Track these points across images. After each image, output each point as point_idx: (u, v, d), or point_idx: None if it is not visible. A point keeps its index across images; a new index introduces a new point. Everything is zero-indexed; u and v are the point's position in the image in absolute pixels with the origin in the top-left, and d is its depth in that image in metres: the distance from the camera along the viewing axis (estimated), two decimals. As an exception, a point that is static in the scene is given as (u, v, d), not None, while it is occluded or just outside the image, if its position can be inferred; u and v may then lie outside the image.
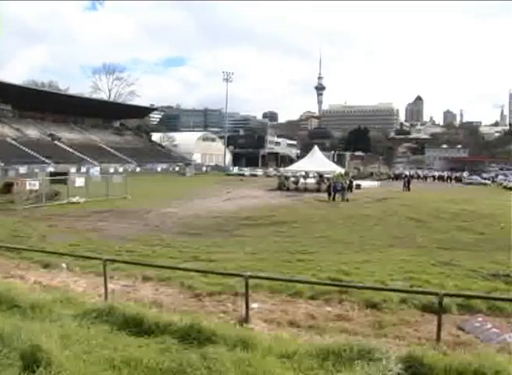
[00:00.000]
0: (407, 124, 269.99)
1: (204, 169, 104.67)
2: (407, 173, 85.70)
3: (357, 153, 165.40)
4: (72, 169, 69.17)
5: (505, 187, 69.67)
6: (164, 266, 11.48)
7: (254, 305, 8.76)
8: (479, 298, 9.44)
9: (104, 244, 17.71)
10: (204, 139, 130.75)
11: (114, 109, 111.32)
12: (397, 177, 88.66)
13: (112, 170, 74.63)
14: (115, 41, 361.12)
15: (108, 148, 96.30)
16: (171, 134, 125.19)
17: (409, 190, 55.15)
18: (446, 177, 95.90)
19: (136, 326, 6.41)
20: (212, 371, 4.98)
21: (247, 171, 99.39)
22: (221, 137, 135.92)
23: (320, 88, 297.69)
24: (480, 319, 8.53)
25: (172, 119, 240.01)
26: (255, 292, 9.51)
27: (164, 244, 18.18)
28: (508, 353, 6.44)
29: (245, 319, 7.76)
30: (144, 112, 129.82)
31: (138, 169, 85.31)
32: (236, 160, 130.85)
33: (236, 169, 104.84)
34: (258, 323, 7.95)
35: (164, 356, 5.40)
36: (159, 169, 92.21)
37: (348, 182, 48.19)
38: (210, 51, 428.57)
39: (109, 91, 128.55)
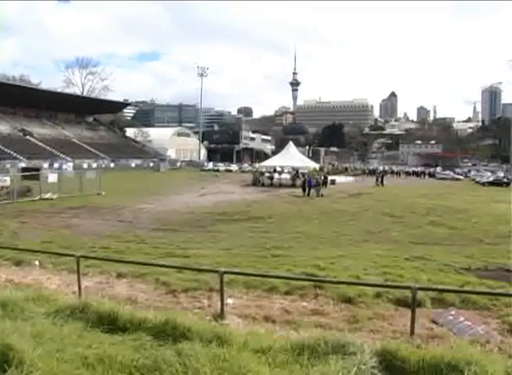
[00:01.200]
0: (382, 120, 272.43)
1: (178, 164, 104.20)
2: (381, 169, 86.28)
3: (332, 149, 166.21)
4: (45, 165, 68.08)
5: (477, 183, 70.66)
6: (138, 263, 11.39)
7: (229, 301, 8.75)
8: (452, 291, 9.56)
9: (77, 241, 17.53)
10: (179, 134, 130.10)
11: (87, 104, 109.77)
12: (372, 173, 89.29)
13: (85, 166, 73.65)
14: (89, 35, 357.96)
15: (82, 144, 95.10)
16: (145, 130, 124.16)
17: (382, 185, 55.58)
18: (419, 173, 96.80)
19: (111, 324, 6.34)
20: (187, 367, 4.94)
21: (221, 166, 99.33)
22: (196, 133, 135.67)
23: (295, 84, 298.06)
24: (453, 312, 8.64)
25: (147, 115, 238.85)
26: (230, 288, 9.49)
27: (139, 241, 18.08)
28: (480, 345, 6.54)
29: (220, 315, 7.75)
30: (117, 107, 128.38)
31: (112, 165, 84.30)
32: (211, 156, 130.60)
33: (210, 165, 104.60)
34: (234, 318, 7.93)
35: (138, 353, 5.35)
36: (133, 164, 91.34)
37: (323, 177, 48.51)
38: (185, 45, 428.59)
39: (82, 85, 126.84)
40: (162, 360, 5.10)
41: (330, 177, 54.97)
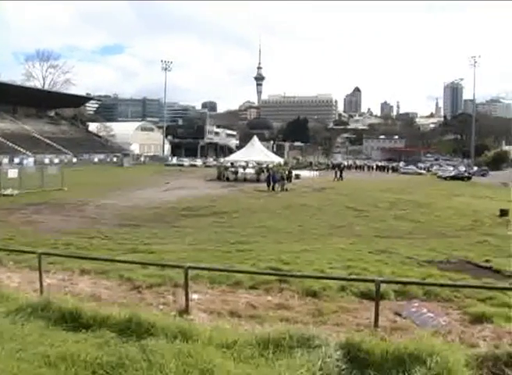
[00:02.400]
0: (346, 115, 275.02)
1: (142, 159, 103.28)
2: (340, 163, 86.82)
3: (297, 143, 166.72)
4: (5, 160, 66.77)
5: (440, 177, 71.86)
6: (102, 259, 11.25)
7: (194, 296, 8.70)
8: (415, 284, 9.71)
9: (39, 238, 17.22)
10: (143, 129, 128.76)
11: (48, 98, 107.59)
12: (336, 167, 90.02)
13: (47, 161, 72.34)
14: (50, 27, 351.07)
15: (43, 139, 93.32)
16: (108, 124, 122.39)
17: (342, 179, 55.97)
18: (383, 167, 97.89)
19: (74, 321, 6.26)
20: (152, 363, 4.92)
21: (186, 161, 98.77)
22: (160, 127, 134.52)
23: (259, 78, 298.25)
24: (416, 304, 8.77)
25: (110, 109, 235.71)
26: (195, 283, 9.44)
27: (102, 237, 17.87)
28: (442, 336, 6.66)
29: (185, 311, 7.71)
30: (80, 101, 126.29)
31: (75, 160, 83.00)
32: (175, 150, 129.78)
33: (175, 160, 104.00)
34: (199, 313, 7.90)
35: (102, 350, 5.29)
36: (96, 159, 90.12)
37: (287, 172, 48.75)
38: (149, 39, 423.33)
39: (43, 79, 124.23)
40: (126, 357, 5.06)
41: (294, 172, 55.30)
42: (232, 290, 9.72)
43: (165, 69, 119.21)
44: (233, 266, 11.56)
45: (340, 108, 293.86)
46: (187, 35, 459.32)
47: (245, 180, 50.54)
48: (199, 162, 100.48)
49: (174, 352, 5.09)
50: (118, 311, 6.57)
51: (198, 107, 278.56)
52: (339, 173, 57.87)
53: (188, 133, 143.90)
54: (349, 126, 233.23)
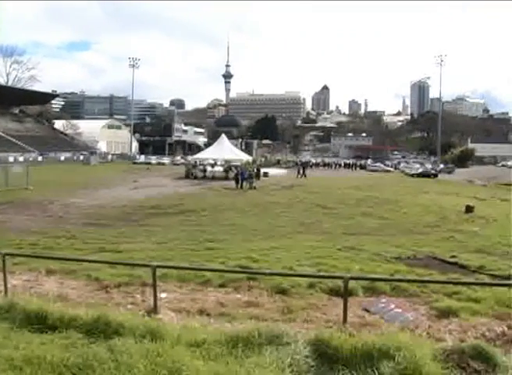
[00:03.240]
0: (314, 113, 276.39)
1: (109, 157, 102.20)
2: (307, 161, 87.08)
3: (265, 141, 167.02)
4: (-33, 159, 65.41)
5: (407, 174, 72.79)
6: (69, 259, 11.11)
7: (162, 295, 8.64)
8: (383, 280, 9.83)
9: (3, 238, 16.86)
10: (110, 127, 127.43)
11: (12, 95, 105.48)
12: (299, 165, 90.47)
13: (11, 160, 70.98)
14: (14, 22, 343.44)
15: (7, 136, 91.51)
16: (74, 122, 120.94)
17: (305, 176, 56.18)
18: (351, 165, 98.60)
19: (39, 323, 6.14)
20: (120, 364, 4.86)
21: (154, 159, 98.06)
22: (127, 125, 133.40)
23: (228, 76, 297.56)
24: (384, 300, 8.86)
25: (76, 106, 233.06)
26: (164, 282, 9.38)
27: (69, 236, 17.65)
28: (410, 331, 6.74)
29: (154, 310, 7.64)
30: (45, 98, 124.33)
31: (40, 159, 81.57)
32: (143, 148, 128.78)
33: (142, 158, 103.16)
34: (167, 312, 7.84)
35: (69, 352, 5.21)
36: (62, 158, 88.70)
37: (256, 170, 48.81)
38: (116, 35, 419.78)
39: (7, 75, 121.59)
40: (94, 358, 4.99)
41: (263, 170, 55.34)
42: (201, 288, 9.68)
43: (133, 66, 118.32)
44: (202, 265, 11.55)
45: (308, 106, 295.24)
46: (155, 32, 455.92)
47: (213, 178, 50.45)
48: (167, 160, 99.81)
49: (142, 352, 5.05)
50: (85, 311, 6.48)
51: (166, 104, 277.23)
52: (301, 171, 58.06)
53: (156, 131, 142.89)
54: (317, 124, 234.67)
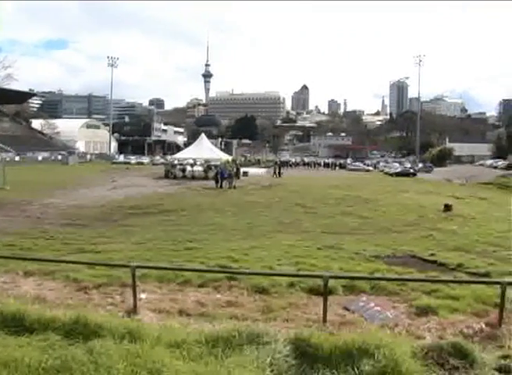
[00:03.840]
0: (294, 112, 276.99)
1: (88, 157, 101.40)
2: (282, 160, 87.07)
3: (245, 141, 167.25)
4: None
5: (386, 174, 73.30)
6: (47, 260, 10.99)
7: (142, 296, 8.59)
8: (363, 278, 9.89)
9: (-21, 239, 16.66)
10: (88, 126, 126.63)
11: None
12: (284, 164, 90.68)
13: (-13, 159, 70.04)
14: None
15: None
16: (52, 121, 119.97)
17: (279, 176, 56.16)
18: (330, 164, 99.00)
19: (17, 325, 6.05)
20: (99, 365, 4.81)
21: (133, 159, 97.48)
22: (106, 125, 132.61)
23: (207, 76, 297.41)
24: (364, 298, 8.90)
25: (54, 106, 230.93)
26: (143, 282, 9.32)
27: (47, 237, 17.44)
28: (389, 329, 6.79)
29: (133, 311, 7.60)
30: (22, 97, 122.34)
31: (17, 158, 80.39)
32: (122, 148, 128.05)
33: (121, 158, 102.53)
34: (147, 313, 7.79)
35: (47, 354, 5.14)
36: (40, 158, 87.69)
37: (235, 169, 48.69)
38: (95, 34, 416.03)
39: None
40: (72, 359, 4.94)
41: (242, 169, 55.29)
42: (181, 288, 9.64)
43: (112, 65, 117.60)
44: (182, 265, 11.50)
45: (288, 105, 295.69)
46: (135, 31, 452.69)
47: (193, 177, 50.38)
48: (146, 159, 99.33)
49: (122, 353, 5.01)
50: (64, 313, 6.41)
51: (145, 104, 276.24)
52: (277, 170, 58.02)
53: (135, 131, 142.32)
54: (297, 124, 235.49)
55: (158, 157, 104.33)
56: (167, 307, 8.27)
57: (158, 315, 7.82)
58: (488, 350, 5.84)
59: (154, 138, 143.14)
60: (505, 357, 5.57)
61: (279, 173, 57.43)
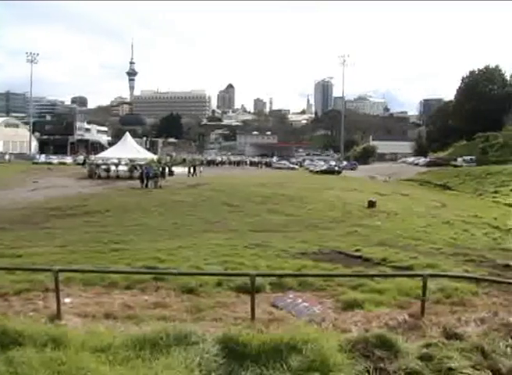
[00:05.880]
0: (219, 111, 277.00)
1: (7, 157, 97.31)
2: (190, 159, 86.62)
3: (170, 140, 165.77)
4: None
5: (311, 171, 74.36)
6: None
7: (66, 300, 8.36)
8: (290, 275, 10.02)
9: None
10: (7, 125, 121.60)
11: None
12: (210, 163, 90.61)
13: None
14: None
15: None
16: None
17: (196, 175, 55.86)
18: (256, 162, 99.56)
19: None
20: (19, 375, 4.64)
21: (55, 159, 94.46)
22: (26, 123, 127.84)
23: (132, 73, 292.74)
24: (291, 295, 9.02)
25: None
26: (67, 286, 9.08)
27: (-38, 242, 16.66)
28: (317, 324, 6.89)
29: (57, 316, 7.37)
30: None
31: None
32: (44, 148, 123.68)
33: (43, 158, 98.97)
34: (71, 318, 7.58)
35: (-39, 368, 4.90)
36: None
37: (161, 169, 48.23)
38: (14, 28, 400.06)
39: None
40: (-11, 372, 4.73)
41: (168, 168, 54.78)
42: (107, 291, 9.47)
43: (31, 61, 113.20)
44: (107, 267, 11.28)
45: (214, 104, 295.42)
46: (57, 26, 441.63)
47: (118, 177, 49.63)
48: (69, 159, 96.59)
49: (44, 361, 4.84)
50: (-21, 322, 6.12)
51: (68, 102, 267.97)
52: (192, 169, 57.78)
53: (57, 130, 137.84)
54: (222, 123, 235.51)
55: (81, 157, 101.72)
56: (93, 311, 8.08)
57: (83, 319, 7.62)
58: (412, 340, 6.03)
59: (77, 137, 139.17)
60: (427, 345, 5.77)
61: (194, 172, 57.24)
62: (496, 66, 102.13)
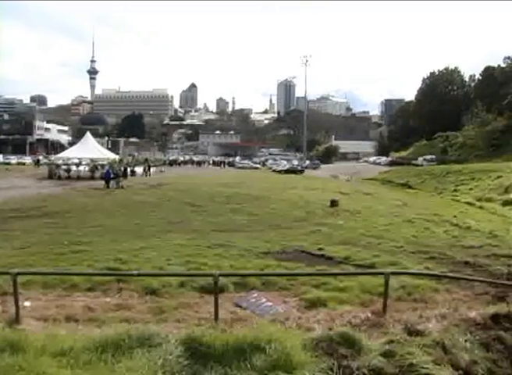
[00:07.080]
0: (182, 110, 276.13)
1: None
2: (146, 158, 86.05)
3: (132, 139, 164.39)
4: None
5: (274, 171, 74.61)
6: None
7: (26, 304, 8.20)
8: (253, 275, 10.05)
9: None
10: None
11: None
12: (172, 163, 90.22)
13: None
14: None
15: None
16: None
17: (150, 175, 55.24)
18: (219, 162, 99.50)
19: None
20: (-25, 385, 4.53)
21: (13, 159, 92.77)
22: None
23: (93, 72, 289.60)
24: (255, 294, 9.03)
25: None
26: (27, 289, 8.92)
27: None
28: (280, 323, 6.91)
29: (15, 320, 7.20)
30: None
31: None
32: (1, 148, 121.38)
33: (1, 158, 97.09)
34: (31, 322, 7.42)
35: None
36: None
37: (123, 169, 47.77)
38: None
39: None
40: None
41: (130, 168, 54.22)
42: (68, 293, 9.34)
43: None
44: (68, 269, 11.12)
45: (176, 103, 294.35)
46: (13, 22, 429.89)
47: (78, 178, 48.76)
48: (28, 159, 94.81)
49: (1, 367, 4.73)
50: None
51: (26, 101, 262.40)
52: (147, 169, 57.16)
53: (15, 129, 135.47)
54: (185, 122, 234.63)
55: (41, 157, 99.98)
56: (53, 314, 7.95)
57: (43, 323, 7.48)
58: (374, 337, 6.12)
59: (36, 137, 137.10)
60: (389, 342, 5.87)
61: (149, 172, 56.69)
62: (456, 68, 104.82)
